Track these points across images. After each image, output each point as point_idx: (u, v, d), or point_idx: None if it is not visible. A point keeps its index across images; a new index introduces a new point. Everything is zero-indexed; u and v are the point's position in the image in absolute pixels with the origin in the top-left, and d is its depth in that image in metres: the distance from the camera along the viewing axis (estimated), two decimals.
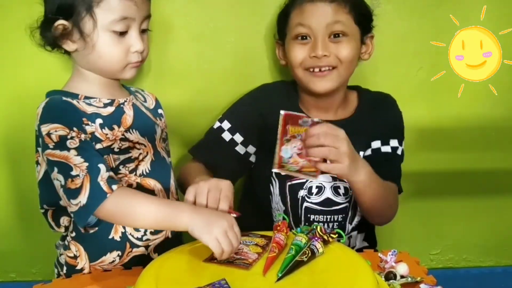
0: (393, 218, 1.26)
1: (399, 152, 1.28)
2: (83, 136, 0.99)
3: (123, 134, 1.06)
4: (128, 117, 1.09)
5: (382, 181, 1.16)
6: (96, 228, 1.05)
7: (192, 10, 1.38)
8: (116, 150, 1.05)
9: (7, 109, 1.38)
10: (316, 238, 0.91)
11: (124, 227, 1.06)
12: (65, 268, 1.08)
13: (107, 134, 1.04)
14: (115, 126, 1.06)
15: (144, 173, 1.09)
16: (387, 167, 1.23)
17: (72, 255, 1.07)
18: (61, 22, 1.02)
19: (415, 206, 1.55)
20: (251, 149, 1.30)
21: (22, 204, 1.45)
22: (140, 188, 1.08)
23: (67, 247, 1.07)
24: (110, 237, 1.05)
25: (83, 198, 0.94)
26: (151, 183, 1.10)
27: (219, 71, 1.42)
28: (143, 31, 1.08)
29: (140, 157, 1.09)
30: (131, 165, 1.07)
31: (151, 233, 1.08)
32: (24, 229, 1.47)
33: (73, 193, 0.95)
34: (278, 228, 0.96)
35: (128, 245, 1.07)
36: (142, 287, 0.83)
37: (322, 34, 1.19)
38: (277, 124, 1.12)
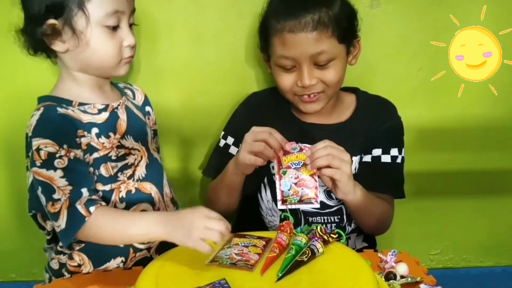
0: (387, 230, 1.31)
1: (398, 160, 1.28)
2: (72, 154, 0.97)
3: (119, 141, 1.06)
4: (123, 122, 1.08)
5: (376, 199, 1.21)
6: (83, 245, 1.04)
7: (192, 10, 1.38)
8: (113, 158, 1.05)
9: (7, 109, 1.38)
10: (316, 238, 0.91)
11: None
12: (67, 276, 1.06)
13: (104, 143, 1.03)
14: (111, 134, 1.05)
15: (141, 177, 1.09)
16: (385, 178, 1.26)
17: (76, 264, 1.06)
18: (51, 21, 1.00)
19: (415, 206, 1.55)
20: None
21: (22, 204, 1.44)
22: (139, 193, 1.08)
23: (70, 257, 1.06)
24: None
25: (62, 223, 0.94)
26: (148, 186, 1.10)
27: (218, 71, 1.42)
28: (130, 26, 1.07)
29: (136, 163, 1.08)
30: (129, 171, 1.07)
31: None
32: (24, 229, 1.47)
33: (54, 216, 0.95)
34: (282, 228, 0.96)
35: (131, 250, 1.07)
36: (142, 287, 0.83)
37: (308, 63, 1.16)
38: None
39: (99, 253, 1.05)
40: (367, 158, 1.27)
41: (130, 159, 1.07)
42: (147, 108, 1.21)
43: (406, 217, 1.54)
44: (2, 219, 1.46)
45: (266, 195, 1.29)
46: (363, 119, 1.28)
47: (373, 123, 1.27)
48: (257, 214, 1.31)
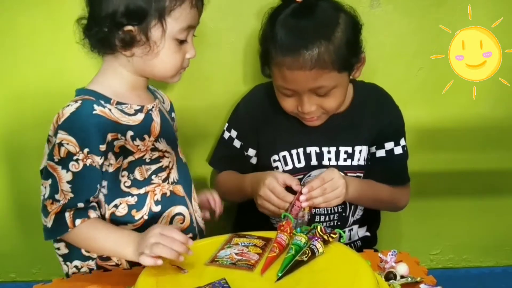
0: (403, 208, 1.36)
1: (406, 149, 1.32)
2: (89, 161, 0.96)
3: (153, 144, 1.05)
4: (156, 125, 1.07)
5: (377, 186, 1.27)
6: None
7: None
8: (147, 160, 1.04)
9: (7, 109, 1.38)
10: (316, 238, 0.91)
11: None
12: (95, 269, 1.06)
13: (138, 146, 1.02)
14: (146, 136, 1.04)
15: (175, 180, 1.09)
16: (400, 169, 1.32)
17: (113, 263, 1.05)
18: (129, 27, 0.98)
19: (415, 206, 1.54)
20: (252, 152, 1.33)
21: (22, 204, 1.45)
22: (173, 196, 1.08)
23: (105, 258, 1.05)
24: None
25: (48, 223, 0.96)
26: (180, 189, 1.10)
27: (218, 71, 1.42)
28: None
29: (170, 165, 1.08)
30: (163, 174, 1.07)
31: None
32: (24, 229, 1.47)
33: (45, 213, 0.97)
34: (282, 228, 0.96)
35: None
36: (142, 287, 0.83)
37: (307, 94, 1.16)
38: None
39: None
40: (381, 153, 1.29)
41: (164, 162, 1.07)
42: (173, 115, 1.21)
43: (406, 217, 1.55)
44: (2, 219, 1.46)
45: None
46: (363, 108, 1.29)
47: (375, 113, 1.29)
48: (257, 208, 1.31)
